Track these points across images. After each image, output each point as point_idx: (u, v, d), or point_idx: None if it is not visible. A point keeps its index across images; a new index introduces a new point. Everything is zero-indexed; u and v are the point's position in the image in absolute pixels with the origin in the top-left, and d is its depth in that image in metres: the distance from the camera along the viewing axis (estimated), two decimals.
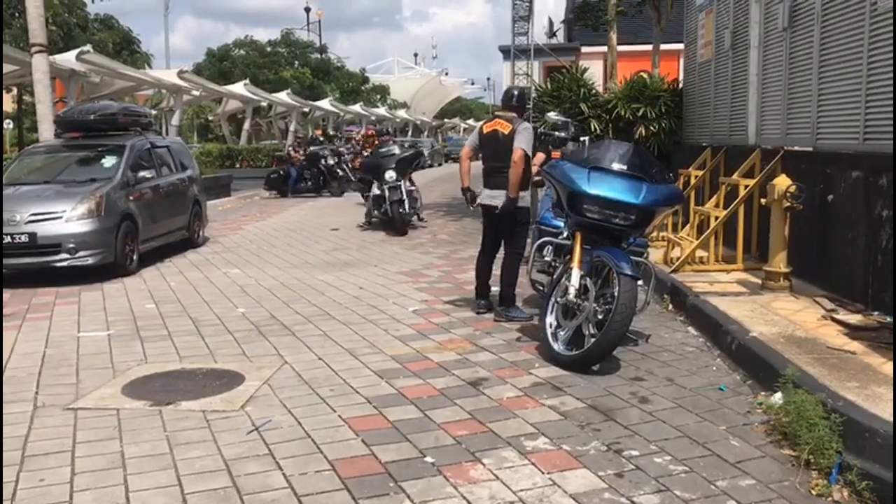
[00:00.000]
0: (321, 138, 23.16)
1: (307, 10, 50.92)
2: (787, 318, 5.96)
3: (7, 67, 17.13)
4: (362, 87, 50.92)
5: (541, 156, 7.52)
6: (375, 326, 6.71)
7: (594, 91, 14.06)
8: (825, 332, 5.49)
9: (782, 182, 6.88)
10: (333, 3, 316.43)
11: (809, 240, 7.18)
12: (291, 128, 35.07)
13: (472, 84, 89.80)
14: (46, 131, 12.99)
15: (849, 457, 3.62)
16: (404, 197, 13.15)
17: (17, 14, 23.91)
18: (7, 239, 8.93)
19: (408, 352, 5.90)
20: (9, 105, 36.93)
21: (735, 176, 8.57)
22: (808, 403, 3.97)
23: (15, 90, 28.64)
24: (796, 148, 7.75)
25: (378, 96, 53.23)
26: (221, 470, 3.84)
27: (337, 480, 3.68)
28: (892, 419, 3.67)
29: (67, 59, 17.25)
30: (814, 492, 3.53)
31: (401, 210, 13.01)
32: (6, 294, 8.43)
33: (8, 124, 31.32)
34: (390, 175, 13.16)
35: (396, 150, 14.32)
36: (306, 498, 3.52)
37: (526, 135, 6.75)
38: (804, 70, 7.60)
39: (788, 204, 6.81)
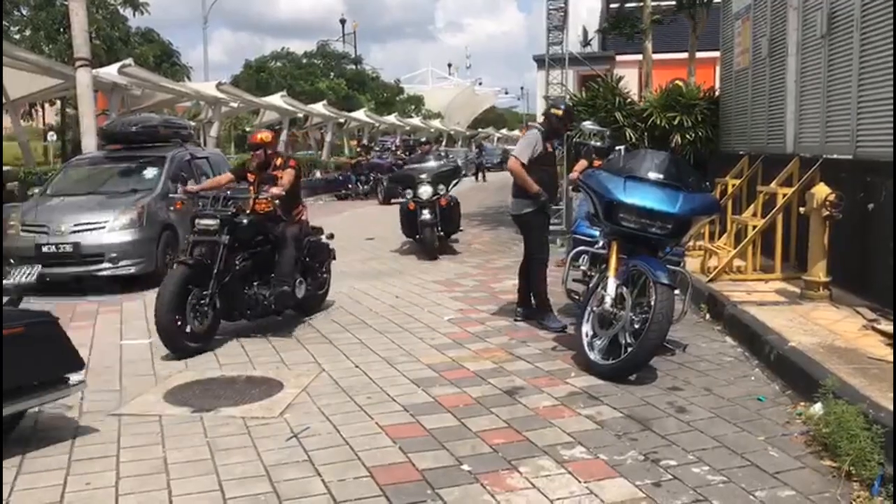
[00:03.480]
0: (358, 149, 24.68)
1: (342, 21, 51.51)
2: (828, 327, 5.89)
3: (51, 81, 17.59)
4: (397, 98, 51.27)
5: (582, 163, 7.57)
6: (411, 335, 6.75)
7: (629, 100, 14.00)
8: (866, 342, 5.42)
9: (821, 190, 6.81)
10: (366, 14, 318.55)
11: (849, 249, 7.09)
12: (327, 139, 35.42)
13: (506, 93, 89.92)
14: (90, 143, 13.30)
15: (891, 468, 3.57)
16: (438, 219, 11.63)
17: (62, 29, 24.49)
18: (52, 248, 9.19)
19: (444, 360, 5.93)
20: (52, 118, 37.83)
21: (773, 185, 8.48)
22: (849, 414, 3.93)
23: (59, 103, 29.34)
24: (835, 156, 7.65)
25: (412, 107, 53.52)
26: (262, 476, 3.90)
27: (375, 487, 3.73)
28: None
29: (109, 72, 17.60)
30: (855, 503, 3.49)
31: (433, 233, 11.54)
32: (52, 303, 8.63)
33: (52, 136, 32.07)
34: (424, 191, 11.75)
35: (432, 162, 13.06)
36: None
37: (520, 141, 7.17)
38: (843, 77, 7.51)
39: (828, 213, 6.73)
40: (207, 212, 6.65)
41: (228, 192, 6.96)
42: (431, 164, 12.85)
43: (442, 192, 11.77)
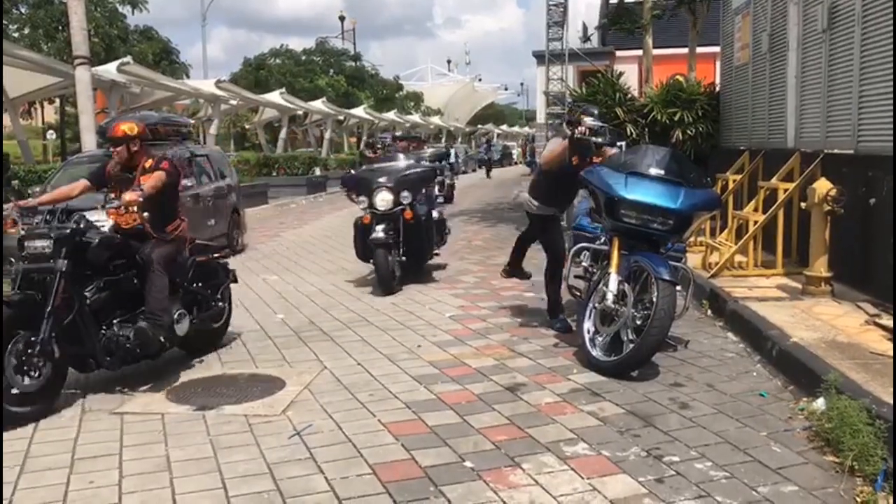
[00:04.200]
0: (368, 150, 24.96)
1: (342, 18, 51.33)
2: (829, 323, 5.89)
3: (50, 79, 17.57)
4: (396, 95, 51.21)
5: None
6: (413, 332, 6.75)
7: (630, 95, 14.00)
8: (868, 338, 5.42)
9: (823, 185, 6.80)
10: (364, 11, 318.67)
11: (851, 244, 7.08)
12: (327, 135, 35.44)
13: (506, 89, 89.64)
14: (89, 141, 13.28)
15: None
16: (399, 239, 8.62)
17: (60, 27, 24.45)
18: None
19: (445, 357, 5.93)
20: (51, 116, 37.86)
21: (774, 180, 8.48)
22: (852, 409, 3.93)
23: (58, 101, 29.32)
24: (836, 151, 7.65)
25: (412, 103, 53.48)
26: (265, 473, 3.90)
27: (378, 484, 3.72)
28: None
29: (108, 70, 17.58)
30: (858, 499, 3.48)
31: (388, 258, 8.42)
32: None
33: (51, 135, 32.09)
34: (382, 199, 8.64)
35: (400, 162, 9.55)
36: (348, 501, 3.57)
37: (547, 146, 6.95)
38: (845, 72, 7.50)
39: (829, 208, 6.73)
40: (39, 230, 5.07)
41: (69, 204, 5.57)
42: (398, 163, 9.53)
43: (407, 202, 8.68)
